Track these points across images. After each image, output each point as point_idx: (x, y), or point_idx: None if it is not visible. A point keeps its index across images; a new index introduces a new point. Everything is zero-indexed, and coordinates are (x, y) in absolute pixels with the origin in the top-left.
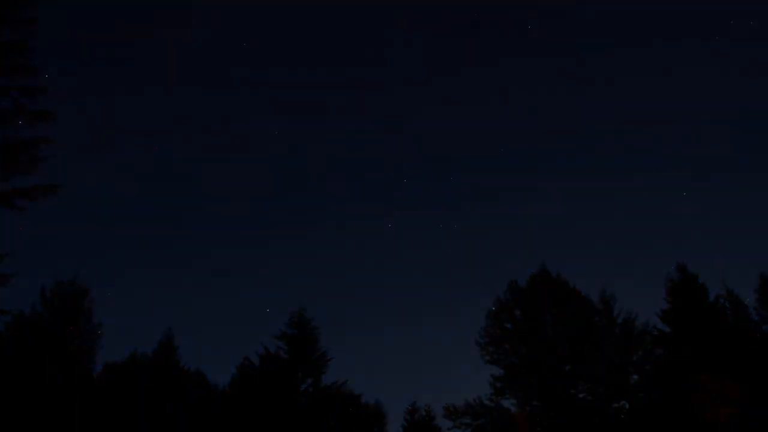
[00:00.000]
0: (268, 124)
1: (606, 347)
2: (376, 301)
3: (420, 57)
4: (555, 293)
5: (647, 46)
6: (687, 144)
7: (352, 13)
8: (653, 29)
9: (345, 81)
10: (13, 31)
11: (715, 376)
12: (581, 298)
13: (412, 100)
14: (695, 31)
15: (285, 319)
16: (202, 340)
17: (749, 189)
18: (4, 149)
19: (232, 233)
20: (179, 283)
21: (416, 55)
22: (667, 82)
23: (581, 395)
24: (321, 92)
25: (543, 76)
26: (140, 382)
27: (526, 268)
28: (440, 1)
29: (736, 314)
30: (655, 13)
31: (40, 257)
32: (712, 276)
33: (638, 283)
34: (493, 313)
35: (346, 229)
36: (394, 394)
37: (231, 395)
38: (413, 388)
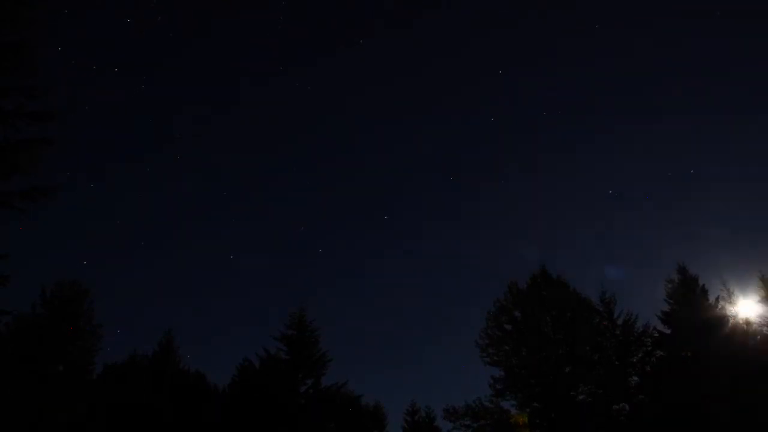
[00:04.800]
0: (266, 126)
1: (606, 349)
2: (376, 301)
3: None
4: (555, 294)
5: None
6: (688, 143)
7: None
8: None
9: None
10: (13, 31)
11: (716, 377)
12: (581, 300)
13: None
14: None
15: (285, 319)
16: (202, 340)
17: (750, 189)
18: (4, 149)
19: (232, 233)
20: (179, 283)
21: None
22: (659, 81)
23: (581, 397)
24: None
25: (542, 76)
26: (140, 383)
27: (527, 269)
28: None
29: (736, 316)
30: None
31: (40, 257)
32: (713, 277)
33: (638, 284)
34: (492, 314)
35: (346, 228)
36: (394, 394)
37: (231, 396)
38: (413, 389)
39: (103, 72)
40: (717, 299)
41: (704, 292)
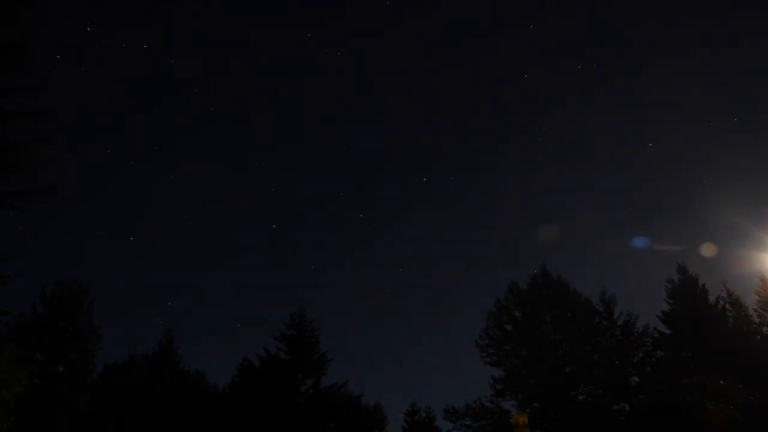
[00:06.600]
0: (268, 128)
1: (606, 349)
2: (376, 301)
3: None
4: (555, 294)
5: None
6: (686, 143)
7: None
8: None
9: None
10: (13, 31)
11: (716, 377)
12: (582, 300)
13: (413, 104)
14: None
15: (285, 319)
16: (202, 340)
17: (749, 189)
18: (4, 149)
19: (232, 233)
20: (179, 283)
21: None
22: (657, 87)
23: (581, 397)
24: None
25: (545, 77)
26: (140, 383)
27: (527, 269)
28: None
29: (736, 316)
30: None
31: (40, 257)
32: (713, 277)
33: (639, 284)
34: (493, 314)
35: (347, 229)
36: (394, 394)
37: (231, 396)
38: (413, 389)
39: (104, 70)
40: (717, 299)
41: (704, 292)
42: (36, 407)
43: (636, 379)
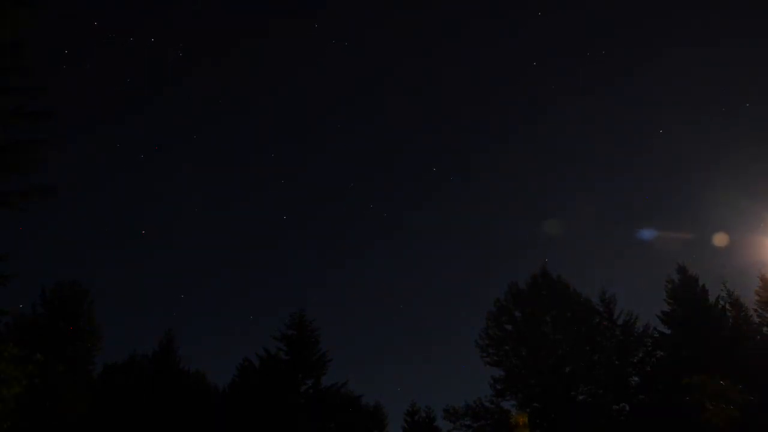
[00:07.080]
0: (268, 128)
1: (606, 349)
2: (376, 301)
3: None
4: (555, 294)
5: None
6: (686, 143)
7: None
8: None
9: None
10: (13, 31)
11: (716, 377)
12: (582, 300)
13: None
14: None
15: (285, 319)
16: (202, 340)
17: (749, 187)
18: (4, 149)
19: (232, 233)
20: (179, 283)
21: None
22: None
23: (581, 397)
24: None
25: (548, 77)
26: (140, 383)
27: (527, 269)
28: None
29: (736, 316)
30: None
31: (40, 257)
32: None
33: (639, 284)
34: (493, 314)
35: (346, 230)
36: (394, 394)
37: (231, 396)
38: (413, 389)
39: (103, 69)
40: (717, 299)
41: (704, 292)
42: (36, 407)
43: (636, 379)
